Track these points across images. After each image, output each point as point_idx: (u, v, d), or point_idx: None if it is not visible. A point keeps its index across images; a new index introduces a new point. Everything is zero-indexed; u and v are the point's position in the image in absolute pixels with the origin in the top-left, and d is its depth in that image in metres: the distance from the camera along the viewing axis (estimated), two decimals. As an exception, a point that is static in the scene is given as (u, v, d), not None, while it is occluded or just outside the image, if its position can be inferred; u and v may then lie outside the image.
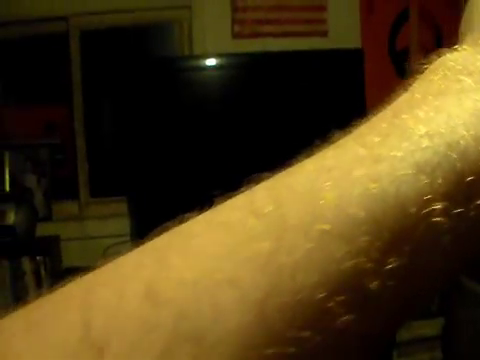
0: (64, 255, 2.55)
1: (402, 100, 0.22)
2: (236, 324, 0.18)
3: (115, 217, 2.64)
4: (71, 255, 2.51)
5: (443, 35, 2.84)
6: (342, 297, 0.18)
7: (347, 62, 2.54)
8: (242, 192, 0.21)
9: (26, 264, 2.22)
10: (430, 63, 0.24)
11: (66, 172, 2.90)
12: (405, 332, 2.45)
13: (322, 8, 2.72)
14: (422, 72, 0.24)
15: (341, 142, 0.22)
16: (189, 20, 2.76)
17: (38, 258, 2.26)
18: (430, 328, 2.53)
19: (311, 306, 0.18)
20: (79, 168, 2.84)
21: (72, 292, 0.20)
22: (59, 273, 2.38)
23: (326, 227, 0.19)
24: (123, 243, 2.31)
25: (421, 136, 0.20)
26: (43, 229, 2.51)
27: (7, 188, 2.77)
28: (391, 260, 0.19)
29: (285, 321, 0.18)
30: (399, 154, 0.20)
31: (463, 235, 0.20)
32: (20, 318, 0.20)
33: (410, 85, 0.23)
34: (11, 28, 2.79)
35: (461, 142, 0.20)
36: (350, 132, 0.22)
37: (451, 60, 0.24)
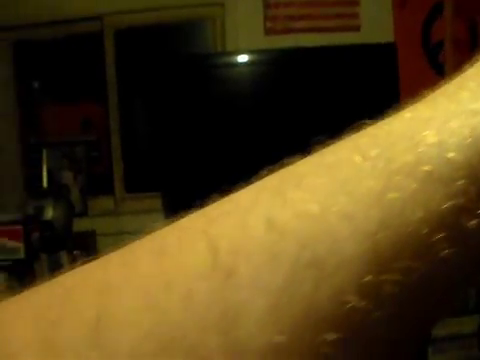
0: (100, 250, 2.58)
1: None
2: (351, 254, 0.20)
3: (150, 212, 2.67)
4: (107, 250, 2.55)
5: (478, 28, 2.79)
6: (444, 233, 0.20)
7: (380, 57, 2.52)
8: (343, 139, 0.23)
9: (64, 258, 2.26)
10: None
11: (102, 168, 2.95)
12: (441, 329, 2.43)
13: (354, 3, 2.70)
14: None
15: (431, 98, 0.23)
16: (222, 17, 2.78)
17: (75, 252, 2.31)
18: (467, 325, 2.50)
19: (418, 239, 0.20)
20: (114, 164, 2.88)
21: (193, 224, 0.22)
22: (95, 267, 2.41)
23: (428, 169, 0.21)
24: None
25: None
26: (80, 224, 2.56)
27: (45, 184, 2.83)
28: None
29: (394, 252, 0.20)
30: None
31: None
32: (145, 245, 0.22)
33: None
34: (48, 29, 2.84)
35: None
36: (436, 89, 0.24)
37: None
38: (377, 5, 2.72)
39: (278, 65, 2.57)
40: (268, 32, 2.73)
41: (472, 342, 2.50)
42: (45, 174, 2.84)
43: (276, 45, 2.67)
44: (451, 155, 0.21)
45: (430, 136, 0.21)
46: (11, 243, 2.11)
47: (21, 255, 2.11)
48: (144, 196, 2.82)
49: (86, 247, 2.42)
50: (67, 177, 2.84)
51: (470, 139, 0.21)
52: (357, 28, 2.72)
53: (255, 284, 0.20)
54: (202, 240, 0.21)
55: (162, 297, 0.20)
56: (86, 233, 2.56)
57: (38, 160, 2.88)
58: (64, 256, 2.27)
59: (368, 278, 0.20)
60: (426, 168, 0.21)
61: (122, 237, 2.79)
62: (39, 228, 2.23)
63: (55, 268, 2.24)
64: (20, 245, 2.11)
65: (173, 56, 2.75)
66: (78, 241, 2.44)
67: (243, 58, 2.59)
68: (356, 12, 2.71)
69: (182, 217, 0.23)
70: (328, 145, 0.24)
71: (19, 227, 2.12)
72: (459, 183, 0.21)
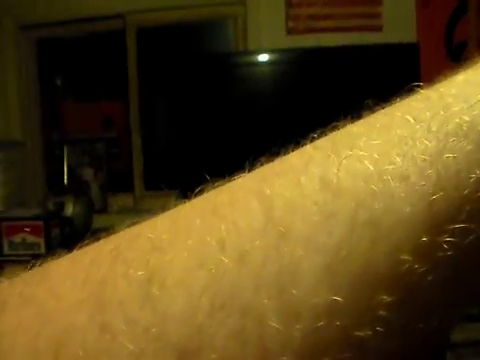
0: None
1: None
2: (407, 214, 0.20)
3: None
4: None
5: (503, 28, 2.76)
6: None
7: (402, 57, 2.50)
8: (395, 103, 0.24)
9: (83, 254, 2.27)
10: None
11: (121, 165, 2.96)
12: (460, 334, 2.39)
13: (377, 2, 2.68)
14: None
15: None
16: (244, 16, 2.77)
17: (94, 249, 2.32)
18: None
19: (473, 201, 0.20)
20: (134, 162, 2.89)
21: (245, 183, 0.23)
22: (114, 264, 2.43)
23: None
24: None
25: None
26: (99, 221, 2.57)
27: (66, 181, 2.85)
28: None
29: (450, 213, 0.20)
30: None
31: None
32: (196, 205, 0.23)
33: None
34: (71, 27, 2.86)
35: None
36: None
37: None
38: (400, 4, 2.70)
39: (300, 64, 2.56)
40: (290, 31, 2.72)
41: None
42: (66, 170, 2.86)
43: (298, 44, 2.66)
44: None
45: None
46: (31, 238, 2.13)
47: (41, 250, 2.12)
48: (163, 194, 2.82)
49: (105, 244, 2.42)
50: (87, 174, 2.86)
51: None
52: (379, 28, 2.70)
53: (311, 242, 0.19)
54: (255, 199, 0.21)
55: (216, 256, 0.20)
56: (105, 230, 2.57)
57: (59, 156, 2.90)
58: (83, 252, 2.28)
59: (424, 239, 0.20)
60: None
61: (141, 234, 2.80)
62: (59, 224, 2.25)
63: (74, 264, 2.25)
64: (40, 240, 2.13)
65: (195, 55, 2.76)
66: (98, 237, 2.45)
67: (265, 57, 2.58)
68: (378, 12, 2.69)
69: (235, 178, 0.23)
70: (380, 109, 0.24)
71: (40, 223, 2.14)
72: None
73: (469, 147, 0.20)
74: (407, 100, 0.23)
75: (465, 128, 0.21)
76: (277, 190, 0.21)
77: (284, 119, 2.50)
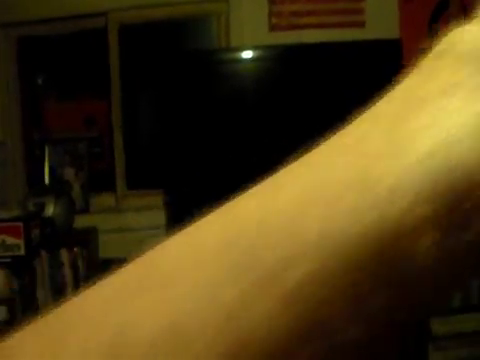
0: (101, 246, 2.58)
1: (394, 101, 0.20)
2: None
3: (151, 209, 2.67)
4: (108, 246, 2.54)
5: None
6: (311, 347, 0.17)
7: (385, 53, 2.50)
8: (229, 203, 0.20)
9: (64, 255, 2.25)
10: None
11: (103, 165, 2.94)
12: (441, 326, 2.41)
13: (360, -2, 2.69)
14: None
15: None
16: (226, 13, 2.76)
17: (75, 249, 2.29)
18: (470, 323, 2.47)
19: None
20: (116, 161, 2.87)
21: (46, 334, 0.19)
22: (96, 264, 2.41)
23: (310, 268, 0.17)
24: (159, 235, 2.32)
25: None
26: (81, 221, 2.55)
27: (47, 181, 2.82)
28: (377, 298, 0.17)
29: None
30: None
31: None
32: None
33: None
34: (52, 25, 2.84)
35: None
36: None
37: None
38: (382, 1, 2.70)
39: (283, 61, 2.55)
40: (273, 28, 2.72)
41: (476, 340, 2.48)
42: (47, 170, 2.83)
43: (281, 41, 2.66)
44: (332, 259, 0.17)
45: (313, 224, 0.17)
46: (11, 240, 2.11)
47: (21, 252, 2.10)
48: (146, 193, 2.81)
49: (87, 244, 2.40)
50: (69, 173, 2.83)
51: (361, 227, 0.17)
52: (362, 24, 2.70)
53: None
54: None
55: None
56: (87, 230, 2.55)
57: (41, 156, 2.87)
58: (64, 253, 2.25)
59: None
60: (306, 267, 0.17)
61: (123, 234, 2.79)
62: (40, 225, 2.22)
63: (55, 265, 2.23)
64: (20, 242, 2.11)
65: (177, 52, 2.74)
66: (79, 238, 2.43)
67: (248, 54, 2.57)
68: (361, 8, 2.69)
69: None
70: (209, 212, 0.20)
71: (19, 224, 2.12)
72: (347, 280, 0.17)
73: (270, 304, 0.17)
74: (238, 207, 0.19)
75: (287, 262, 0.17)
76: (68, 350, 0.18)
77: (267, 115, 2.49)
